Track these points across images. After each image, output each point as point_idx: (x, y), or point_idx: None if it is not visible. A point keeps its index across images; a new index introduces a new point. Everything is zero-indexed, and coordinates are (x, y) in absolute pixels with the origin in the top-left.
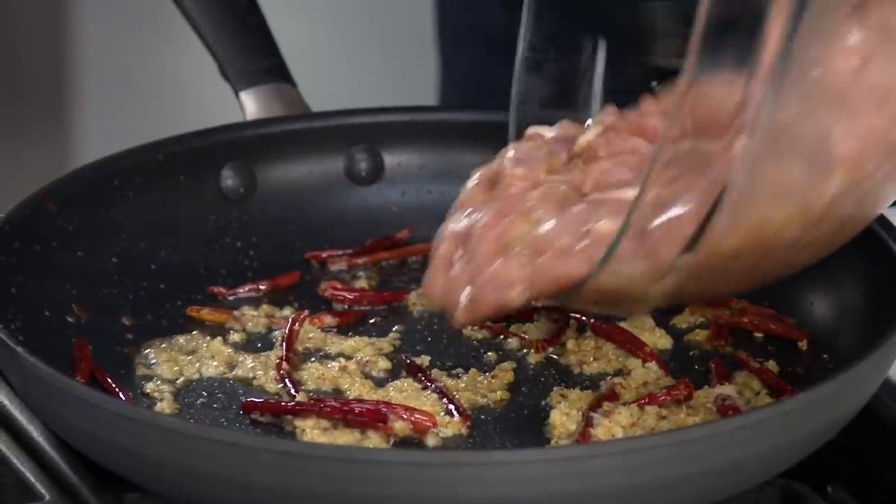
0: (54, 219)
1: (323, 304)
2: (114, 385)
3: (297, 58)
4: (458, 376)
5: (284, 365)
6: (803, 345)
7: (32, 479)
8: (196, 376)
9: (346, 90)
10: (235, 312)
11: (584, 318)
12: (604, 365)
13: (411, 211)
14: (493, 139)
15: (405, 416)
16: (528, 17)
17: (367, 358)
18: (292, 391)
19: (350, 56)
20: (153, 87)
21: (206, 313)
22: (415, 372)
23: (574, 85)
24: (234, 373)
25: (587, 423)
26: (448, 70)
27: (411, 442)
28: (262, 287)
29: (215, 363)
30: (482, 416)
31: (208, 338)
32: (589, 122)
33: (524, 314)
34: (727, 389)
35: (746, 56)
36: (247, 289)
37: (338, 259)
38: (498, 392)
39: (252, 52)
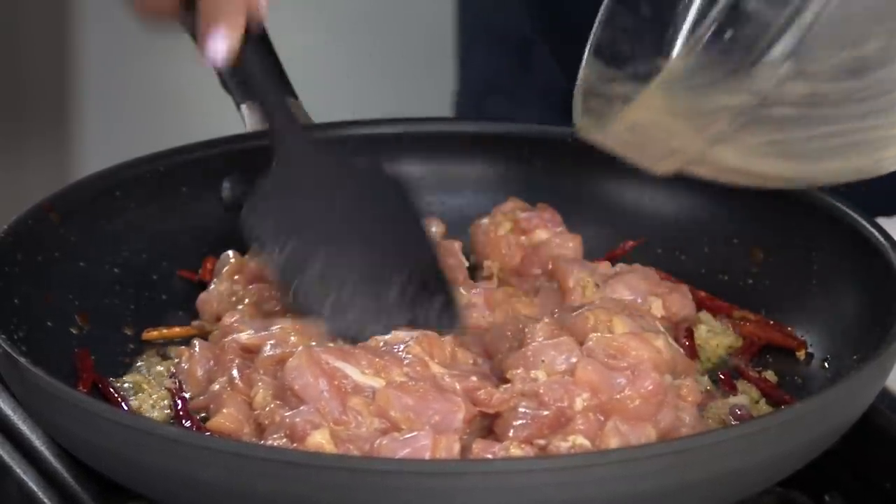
0: (57, 230)
1: None
2: (115, 395)
3: (299, 70)
4: None
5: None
6: (801, 354)
7: (35, 487)
8: None
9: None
10: (195, 322)
11: None
12: None
13: None
14: (494, 150)
15: None
16: None
17: None
18: None
19: (352, 68)
20: (155, 98)
21: (165, 331)
22: None
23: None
24: None
25: None
26: (465, 72)
27: None
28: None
29: None
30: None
31: None
32: None
33: None
34: (741, 399)
35: None
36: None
37: None
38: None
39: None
